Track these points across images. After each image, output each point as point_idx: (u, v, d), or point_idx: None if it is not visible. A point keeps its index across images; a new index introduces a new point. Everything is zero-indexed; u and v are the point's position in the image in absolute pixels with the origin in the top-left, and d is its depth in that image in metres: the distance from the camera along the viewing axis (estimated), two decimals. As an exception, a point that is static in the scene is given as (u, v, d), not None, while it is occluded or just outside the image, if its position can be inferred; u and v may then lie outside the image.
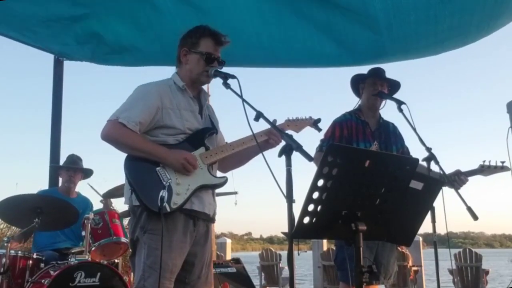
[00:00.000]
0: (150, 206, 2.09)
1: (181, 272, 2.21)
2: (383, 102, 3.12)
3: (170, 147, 2.23)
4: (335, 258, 3.02)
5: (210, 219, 2.35)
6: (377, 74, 3.12)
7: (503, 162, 2.99)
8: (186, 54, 2.36)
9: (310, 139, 3.11)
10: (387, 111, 3.18)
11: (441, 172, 2.73)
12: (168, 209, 2.09)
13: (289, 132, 2.43)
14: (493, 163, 2.98)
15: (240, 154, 2.42)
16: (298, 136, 2.53)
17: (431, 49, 4.31)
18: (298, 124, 2.56)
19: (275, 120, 2.39)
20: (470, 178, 2.95)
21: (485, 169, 2.99)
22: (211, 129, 2.40)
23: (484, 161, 2.98)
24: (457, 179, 2.89)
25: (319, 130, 2.64)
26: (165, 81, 2.39)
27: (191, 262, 2.26)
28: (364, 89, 3.13)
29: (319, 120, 2.63)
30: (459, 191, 2.70)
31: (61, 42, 4.40)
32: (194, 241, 2.25)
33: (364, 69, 3.30)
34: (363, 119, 3.09)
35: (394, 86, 3.15)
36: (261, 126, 2.37)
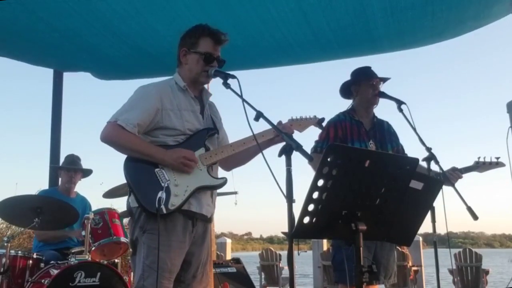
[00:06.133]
0: (148, 207, 2.10)
1: (178, 271, 2.22)
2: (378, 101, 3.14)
3: (169, 148, 2.23)
4: (332, 259, 3.00)
5: (208, 220, 2.35)
6: (372, 74, 3.12)
7: (497, 158, 2.99)
8: (186, 54, 2.36)
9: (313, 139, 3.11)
10: (387, 111, 3.19)
11: (439, 170, 2.73)
12: (165, 211, 2.09)
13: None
14: (488, 159, 2.97)
15: (242, 153, 2.41)
16: (299, 136, 2.53)
17: (427, 41, 4.34)
18: (301, 123, 2.54)
19: (280, 122, 2.40)
20: (470, 178, 2.95)
21: (480, 165, 2.99)
22: (212, 129, 2.40)
23: (479, 158, 2.98)
24: (451, 174, 2.90)
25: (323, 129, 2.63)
26: (167, 81, 2.39)
27: (188, 261, 2.27)
28: (359, 90, 3.13)
29: (323, 119, 2.61)
30: (459, 191, 2.70)
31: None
32: (192, 241, 2.26)
33: (359, 61, 3.30)
34: (357, 119, 3.09)
35: (384, 82, 3.15)
36: (261, 125, 2.38)
